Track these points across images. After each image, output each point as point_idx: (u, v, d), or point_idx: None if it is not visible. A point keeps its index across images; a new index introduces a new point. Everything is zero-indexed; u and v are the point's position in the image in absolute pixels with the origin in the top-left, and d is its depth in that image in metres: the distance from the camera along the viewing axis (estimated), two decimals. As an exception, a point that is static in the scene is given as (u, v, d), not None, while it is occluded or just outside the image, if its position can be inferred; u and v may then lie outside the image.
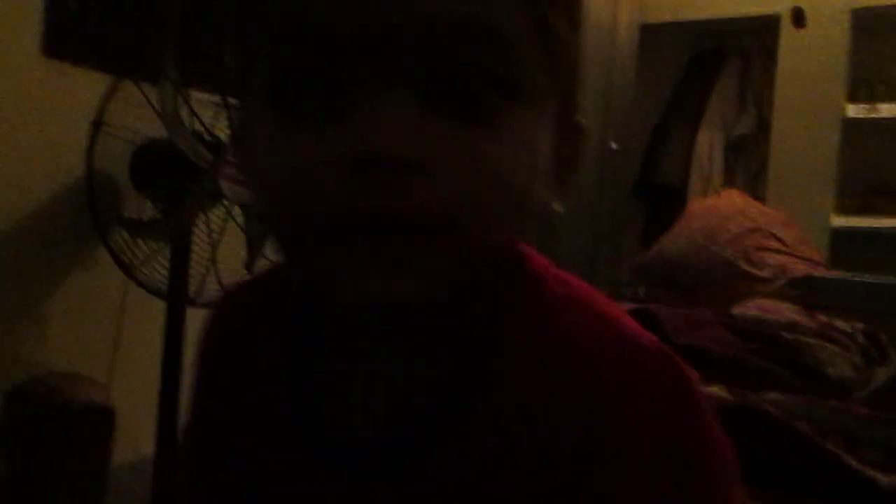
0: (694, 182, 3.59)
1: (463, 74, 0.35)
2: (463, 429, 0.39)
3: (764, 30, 3.50)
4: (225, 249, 1.73)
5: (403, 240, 0.34)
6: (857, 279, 2.26)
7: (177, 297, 1.68)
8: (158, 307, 1.73)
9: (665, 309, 1.32)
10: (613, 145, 3.31)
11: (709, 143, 3.63)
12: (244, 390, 0.44)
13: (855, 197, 3.42)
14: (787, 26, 3.42)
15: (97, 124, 1.50)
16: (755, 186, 3.54)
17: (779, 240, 2.47)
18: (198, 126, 1.66)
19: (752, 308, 1.45)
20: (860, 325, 1.40)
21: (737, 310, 1.45)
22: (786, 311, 1.42)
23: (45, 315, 1.69)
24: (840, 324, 1.38)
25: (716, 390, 1.04)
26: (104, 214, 1.53)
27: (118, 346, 1.77)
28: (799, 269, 2.32)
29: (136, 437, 1.89)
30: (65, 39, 1.71)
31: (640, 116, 3.68)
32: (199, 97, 1.73)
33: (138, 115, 1.60)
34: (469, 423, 0.39)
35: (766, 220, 2.56)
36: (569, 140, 0.41)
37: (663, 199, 3.68)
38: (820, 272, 2.39)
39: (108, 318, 1.77)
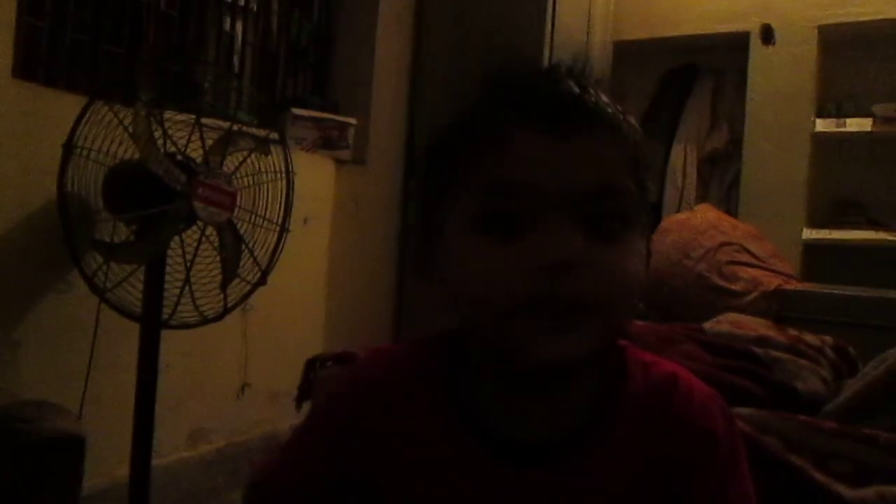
0: (669, 196, 3.63)
1: (601, 213, 0.56)
2: (601, 440, 0.60)
3: (734, 47, 3.57)
4: (199, 270, 1.72)
5: (573, 316, 0.54)
6: (827, 291, 2.30)
7: (151, 320, 1.67)
8: (133, 329, 1.72)
9: (638, 325, 1.34)
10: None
11: (683, 158, 3.68)
12: (401, 425, 0.61)
13: (825, 210, 3.48)
14: (756, 43, 3.49)
15: (68, 147, 1.49)
16: (728, 200, 3.60)
17: (751, 253, 2.51)
18: (171, 147, 1.65)
19: (723, 323, 1.47)
20: (829, 340, 1.42)
21: (709, 325, 1.47)
22: (757, 326, 1.44)
23: (17, 340, 1.67)
24: (810, 338, 1.40)
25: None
26: (77, 237, 1.51)
27: (92, 369, 1.75)
28: (771, 282, 2.35)
29: (110, 462, 1.88)
30: (36, 61, 1.71)
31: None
32: (173, 118, 1.73)
33: (111, 136, 1.59)
34: (605, 437, 0.60)
35: (738, 233, 2.60)
36: (649, 247, 0.63)
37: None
38: (792, 285, 2.43)
39: (81, 342, 1.75)
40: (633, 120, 0.62)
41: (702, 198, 3.59)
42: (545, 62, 2.86)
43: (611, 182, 0.57)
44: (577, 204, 0.55)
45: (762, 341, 1.34)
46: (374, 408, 0.62)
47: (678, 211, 3.48)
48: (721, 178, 3.67)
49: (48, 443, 0.65)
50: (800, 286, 2.43)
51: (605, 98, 0.59)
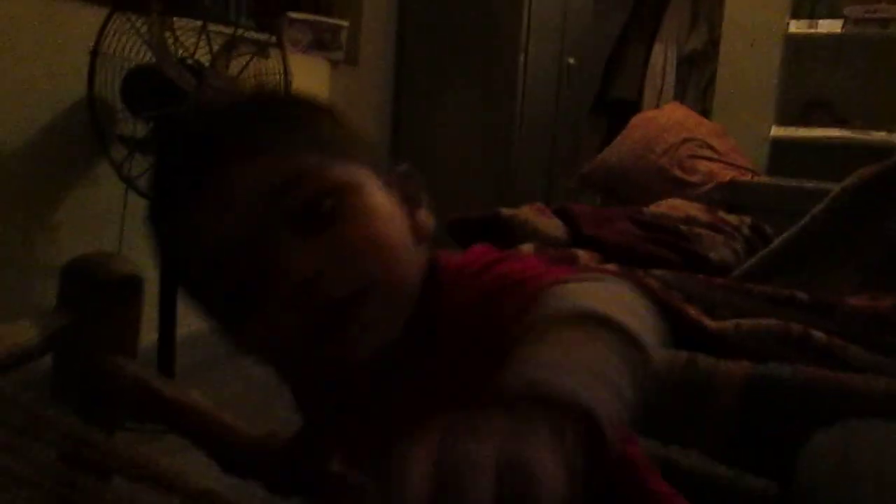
0: (648, 96, 3.81)
1: (296, 207, 0.53)
2: (432, 346, 0.58)
3: (716, -53, 3.67)
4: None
5: (344, 315, 0.52)
6: (773, 183, 2.54)
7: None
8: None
9: (580, 206, 1.59)
10: (571, 61, 3.51)
11: (663, 59, 3.84)
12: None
13: (794, 109, 3.67)
14: (737, -56, 3.59)
15: (94, 53, 1.70)
16: (704, 99, 3.78)
17: (712, 149, 2.74)
18: (182, 52, 1.86)
19: (662, 206, 1.72)
20: (748, 220, 1.68)
21: (650, 208, 1.72)
22: (689, 209, 1.69)
23: (55, 223, 1.93)
24: (731, 218, 1.66)
25: (610, 266, 1.32)
26: (105, 133, 1.75)
27: (121, 248, 2.02)
28: (727, 174, 2.59)
29: (141, 330, 2.17)
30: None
31: (600, 34, 3.86)
32: (182, 25, 1.92)
33: (129, 43, 1.80)
34: (435, 341, 0.58)
35: (702, 130, 2.82)
36: (399, 183, 0.60)
37: (620, 113, 3.91)
38: (745, 178, 2.67)
39: (111, 227, 2.01)
40: (306, 113, 0.60)
41: (680, 97, 3.77)
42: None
43: (294, 180, 0.53)
44: (268, 212, 0.52)
45: (688, 220, 1.59)
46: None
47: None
48: (698, 78, 3.84)
49: (117, 281, 0.90)
50: (751, 179, 2.66)
51: (251, 124, 0.56)
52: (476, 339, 0.54)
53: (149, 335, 2.11)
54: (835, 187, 1.46)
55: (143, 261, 2.07)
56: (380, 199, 0.56)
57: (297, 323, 0.52)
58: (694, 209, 1.69)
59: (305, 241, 0.52)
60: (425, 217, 0.60)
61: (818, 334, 1.09)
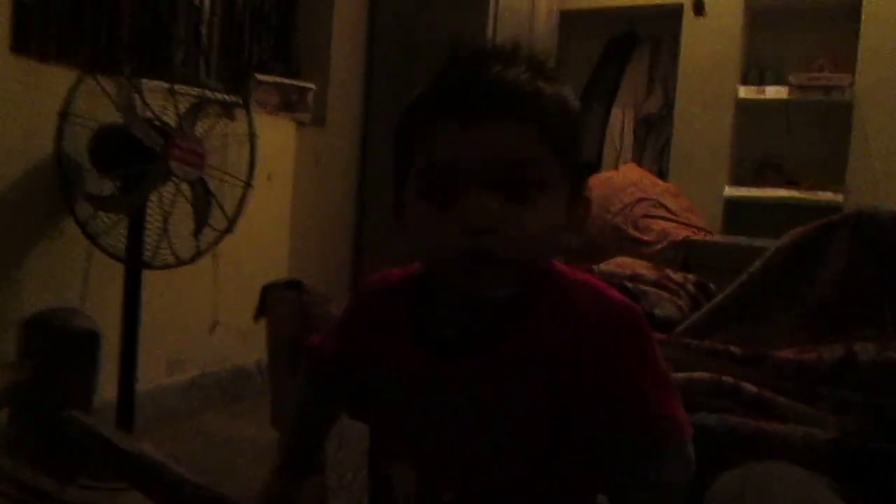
0: (607, 157, 3.95)
1: (514, 181, 0.69)
2: (510, 339, 0.72)
3: (669, 17, 3.85)
4: (175, 220, 2.01)
5: (488, 267, 0.69)
6: (724, 241, 2.64)
7: (134, 262, 1.95)
8: (118, 272, 2.01)
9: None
10: (532, 123, 3.63)
11: (621, 121, 3.99)
12: (382, 322, 0.80)
13: (746, 170, 3.83)
14: (688, 15, 3.78)
15: (64, 115, 1.76)
16: (661, 160, 3.92)
17: (666, 208, 2.84)
18: (149, 114, 1.92)
19: (611, 264, 1.79)
20: (692, 277, 1.75)
21: (598, 266, 1.79)
22: (636, 266, 1.76)
23: (19, 277, 1.95)
24: (675, 275, 1.73)
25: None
26: (71, 191, 1.79)
27: (83, 304, 2.04)
28: (680, 233, 2.68)
29: (100, 385, 2.18)
30: (30, 38, 1.95)
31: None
32: (151, 87, 1.99)
33: (97, 104, 1.85)
34: (519, 332, 0.72)
35: (657, 190, 2.92)
36: (579, 203, 0.75)
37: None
38: (700, 236, 2.77)
39: (73, 281, 2.03)
40: (558, 93, 0.73)
41: (637, 158, 3.91)
42: (488, 37, 3.11)
43: (520, 155, 0.69)
44: (492, 176, 0.68)
45: (635, 277, 1.67)
46: (371, 306, 0.83)
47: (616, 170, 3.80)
48: (655, 140, 3.99)
49: (76, 335, 0.94)
50: (704, 237, 2.76)
51: (523, 77, 0.71)
52: (575, 350, 0.70)
53: (109, 390, 2.12)
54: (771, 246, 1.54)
55: (104, 317, 2.11)
56: (561, 205, 0.72)
57: (454, 243, 0.68)
58: (641, 266, 1.77)
59: (501, 203, 0.68)
60: (573, 237, 0.75)
61: (748, 386, 1.15)
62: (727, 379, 1.15)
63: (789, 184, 3.70)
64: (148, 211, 1.96)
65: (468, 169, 0.68)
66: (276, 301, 1.26)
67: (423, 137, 0.72)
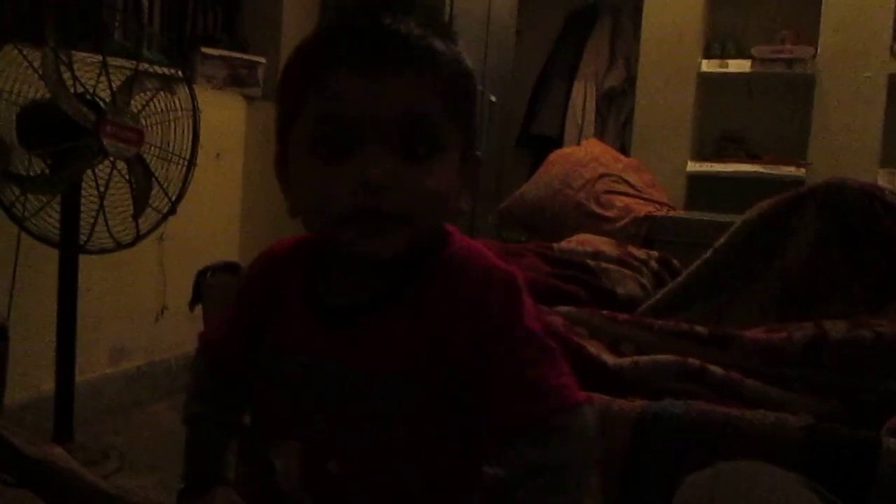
0: (569, 131, 3.88)
1: (410, 137, 0.66)
2: (396, 305, 0.70)
3: (631, -12, 3.79)
4: (113, 202, 1.89)
5: (384, 225, 0.66)
6: (686, 217, 2.59)
7: (68, 245, 1.83)
8: (52, 256, 1.88)
9: (489, 242, 1.57)
10: (493, 98, 3.55)
11: (583, 96, 3.92)
12: (277, 290, 0.77)
13: (708, 144, 3.79)
14: (650, -15, 3.71)
15: (-19, 88, 1.62)
16: (623, 135, 3.87)
17: (629, 184, 2.78)
18: (80, 88, 1.79)
19: (572, 241, 1.72)
20: (655, 254, 1.69)
21: (561, 243, 1.72)
22: (597, 243, 1.69)
23: (-60, 266, 1.82)
24: (638, 252, 1.66)
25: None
26: (-7, 171, 1.66)
27: (14, 293, 1.91)
28: (642, 209, 2.63)
29: (36, 378, 2.06)
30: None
31: (522, 72, 3.93)
32: (82, 59, 1.86)
33: (21, 77, 1.72)
34: (399, 303, 0.70)
35: (619, 166, 2.86)
36: (471, 165, 0.73)
37: (544, 149, 3.97)
38: (662, 212, 2.72)
39: (2, 268, 1.90)
40: (455, 50, 0.70)
41: (599, 133, 3.85)
42: (446, 8, 3.01)
43: (417, 111, 0.66)
44: (388, 131, 0.65)
45: (596, 255, 1.60)
46: (268, 271, 0.79)
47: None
48: (617, 114, 3.93)
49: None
50: (667, 213, 2.71)
51: (419, 31, 0.67)
52: (453, 313, 0.67)
53: (48, 382, 2.00)
54: (737, 221, 1.48)
55: (41, 305, 1.97)
56: (455, 166, 0.70)
57: (347, 199, 0.65)
58: (603, 244, 1.70)
59: (393, 159, 0.65)
60: (466, 199, 0.73)
61: (715, 369, 1.09)
62: (693, 361, 1.09)
63: (751, 158, 3.67)
64: (82, 192, 1.84)
65: (366, 123, 0.65)
66: (211, 286, 1.17)
67: (315, 86, 0.67)
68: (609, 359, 1.09)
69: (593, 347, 1.10)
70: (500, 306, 0.67)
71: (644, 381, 1.06)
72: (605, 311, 1.31)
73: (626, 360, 1.08)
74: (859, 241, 1.38)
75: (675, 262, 1.71)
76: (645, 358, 1.09)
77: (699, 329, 1.18)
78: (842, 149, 3.39)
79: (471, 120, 0.73)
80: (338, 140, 0.66)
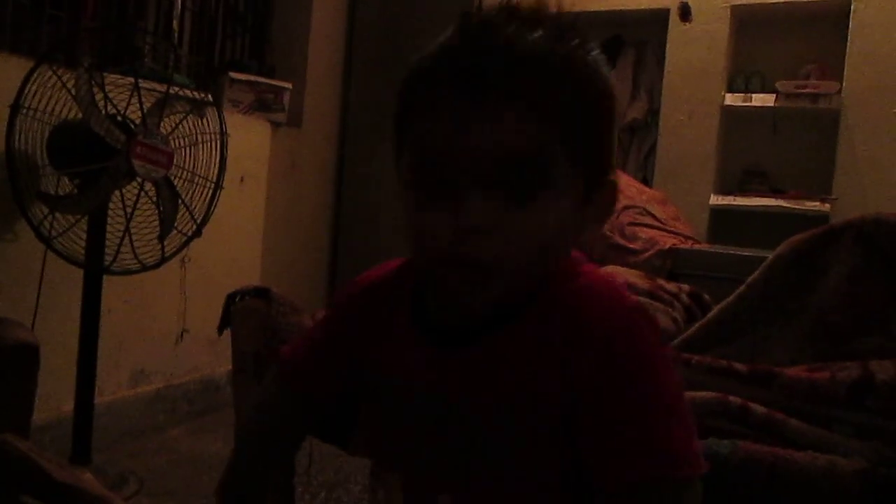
0: (591, 163, 3.86)
1: (510, 178, 0.60)
2: (503, 335, 0.65)
3: (655, 22, 3.79)
4: (139, 223, 1.89)
5: (481, 276, 0.62)
6: (712, 251, 2.56)
7: (93, 265, 1.83)
8: (77, 277, 1.88)
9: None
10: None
11: (605, 127, 3.90)
12: (377, 315, 0.74)
13: (732, 178, 3.76)
14: (674, 20, 3.71)
15: (15, 107, 1.63)
16: (645, 167, 3.85)
17: (653, 216, 2.75)
18: (112, 109, 1.80)
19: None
20: (686, 288, 1.66)
21: (589, 275, 1.69)
22: (627, 276, 1.67)
23: (-33, 283, 1.82)
24: (669, 286, 1.64)
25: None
26: (24, 190, 1.66)
27: (39, 312, 1.90)
28: (667, 241, 2.60)
29: (57, 399, 2.04)
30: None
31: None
32: (114, 81, 1.87)
33: (55, 98, 1.73)
34: (507, 335, 0.65)
35: (643, 198, 2.84)
36: (605, 193, 0.66)
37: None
38: (687, 245, 2.69)
39: (28, 288, 1.90)
40: (590, 71, 0.63)
41: (621, 165, 3.83)
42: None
43: (525, 153, 0.59)
44: (491, 174, 0.59)
45: (628, 288, 1.57)
46: (366, 301, 0.75)
47: (599, 176, 3.71)
48: (639, 146, 3.91)
49: (10, 349, 0.82)
50: (691, 246, 2.68)
51: (540, 46, 0.61)
52: (577, 351, 0.61)
53: (67, 402, 1.99)
54: (769, 255, 1.45)
55: (63, 326, 1.96)
56: (572, 202, 0.63)
57: (444, 245, 0.61)
58: (633, 276, 1.67)
59: (493, 203, 0.60)
60: (596, 233, 0.67)
61: (757, 407, 1.05)
62: (734, 399, 1.06)
63: (775, 192, 3.64)
64: (109, 213, 1.84)
65: (464, 165, 0.60)
66: (240, 311, 1.15)
67: (414, 121, 0.64)
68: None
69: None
70: (628, 363, 0.60)
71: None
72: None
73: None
74: (898, 276, 1.35)
75: (705, 296, 1.68)
76: (686, 394, 1.05)
77: (738, 366, 1.15)
78: (868, 184, 3.36)
79: (604, 144, 0.65)
80: (433, 180, 0.62)
